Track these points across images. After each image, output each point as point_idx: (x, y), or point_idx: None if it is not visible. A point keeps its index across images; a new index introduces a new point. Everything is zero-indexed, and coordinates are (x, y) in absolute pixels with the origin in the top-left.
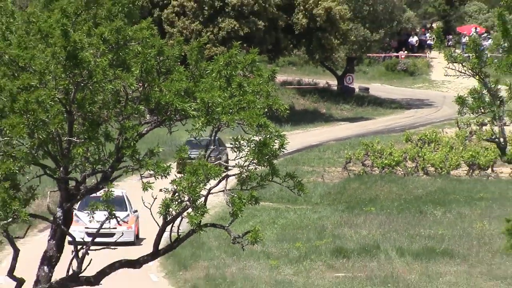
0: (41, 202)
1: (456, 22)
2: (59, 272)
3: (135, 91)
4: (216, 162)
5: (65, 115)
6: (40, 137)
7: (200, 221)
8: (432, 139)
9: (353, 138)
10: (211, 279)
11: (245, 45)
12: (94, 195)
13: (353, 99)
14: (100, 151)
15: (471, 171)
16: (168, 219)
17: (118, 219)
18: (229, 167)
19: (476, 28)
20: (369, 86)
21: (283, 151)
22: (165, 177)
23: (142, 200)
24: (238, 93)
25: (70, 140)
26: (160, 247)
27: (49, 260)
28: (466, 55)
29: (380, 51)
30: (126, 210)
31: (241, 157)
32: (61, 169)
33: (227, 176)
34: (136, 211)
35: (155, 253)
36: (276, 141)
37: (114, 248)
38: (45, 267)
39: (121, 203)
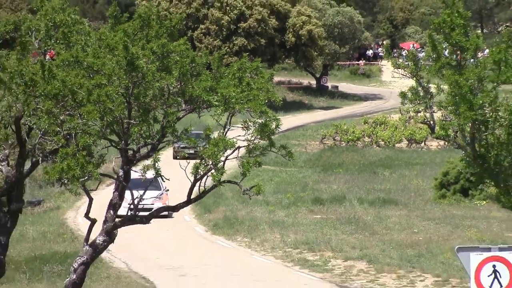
0: (108, 165)
1: (399, 40)
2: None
3: (175, 88)
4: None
5: (125, 104)
6: (108, 119)
7: (220, 178)
8: (382, 121)
9: (327, 121)
10: (227, 219)
11: (251, 56)
12: (135, 177)
13: (327, 94)
14: (150, 130)
15: (410, 144)
16: (197, 177)
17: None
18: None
19: (413, 44)
20: (338, 85)
21: (278, 130)
22: (195, 148)
23: (180, 165)
24: (246, 89)
25: (129, 122)
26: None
27: (114, 206)
28: (407, 63)
29: (346, 60)
30: (160, 189)
31: (249, 134)
32: (123, 142)
33: (239, 147)
34: (167, 190)
35: (188, 201)
36: (273, 123)
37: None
38: (111, 211)
39: (155, 184)
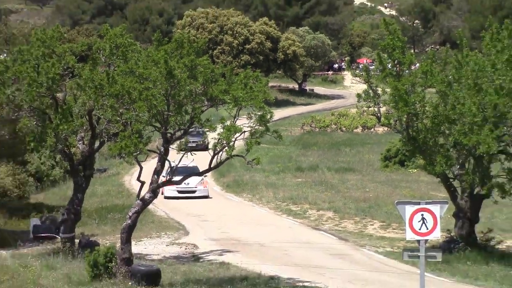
0: (153, 143)
1: (356, 57)
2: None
3: (200, 90)
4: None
5: (165, 101)
6: (153, 112)
7: (231, 153)
8: (344, 114)
9: (305, 114)
10: (236, 181)
11: (253, 68)
12: (181, 166)
13: (306, 95)
14: (182, 119)
15: (363, 129)
16: (215, 152)
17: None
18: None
19: (366, 60)
20: (314, 88)
21: (272, 120)
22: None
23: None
24: (250, 91)
25: (168, 114)
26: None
27: (158, 172)
28: (361, 73)
29: (319, 71)
30: (201, 176)
31: (251, 122)
32: (163, 128)
33: (244, 132)
34: (206, 176)
35: (209, 169)
36: (268, 114)
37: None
38: (155, 176)
39: (197, 171)
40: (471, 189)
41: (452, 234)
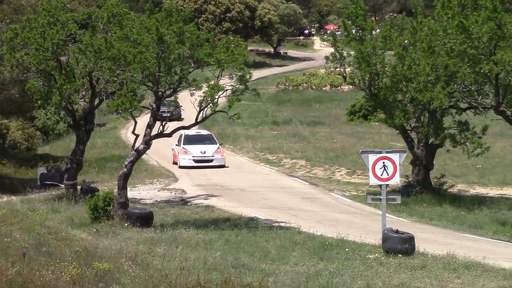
0: (146, 101)
1: (324, 23)
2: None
3: (187, 53)
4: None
5: (157, 64)
6: (146, 73)
7: (215, 109)
8: (314, 74)
9: (280, 74)
10: (219, 134)
11: (233, 34)
12: (187, 134)
13: (280, 57)
14: (172, 79)
15: (331, 88)
16: (201, 108)
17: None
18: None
19: (333, 27)
20: (287, 51)
21: (250, 79)
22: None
23: (192, 103)
24: (231, 54)
25: (159, 75)
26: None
27: (150, 126)
28: (329, 38)
29: (291, 36)
30: (216, 144)
31: (233, 82)
32: (155, 87)
33: (226, 90)
34: (221, 143)
35: (196, 123)
36: (247, 75)
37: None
38: (148, 129)
39: (211, 139)
40: (426, 140)
41: (409, 180)
